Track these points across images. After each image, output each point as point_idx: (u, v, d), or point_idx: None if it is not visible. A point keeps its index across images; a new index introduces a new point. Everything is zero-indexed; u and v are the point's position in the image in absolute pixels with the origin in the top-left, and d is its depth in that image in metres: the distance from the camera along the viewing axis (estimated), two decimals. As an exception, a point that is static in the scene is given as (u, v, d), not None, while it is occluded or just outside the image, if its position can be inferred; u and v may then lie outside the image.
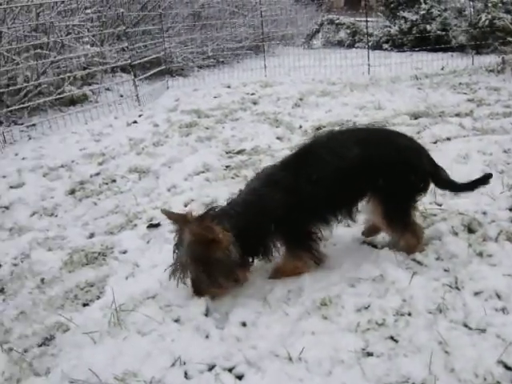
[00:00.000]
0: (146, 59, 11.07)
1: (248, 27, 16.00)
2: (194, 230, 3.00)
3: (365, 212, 3.55)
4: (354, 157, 3.18)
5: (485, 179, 3.47)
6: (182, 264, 3.08)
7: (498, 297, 2.86)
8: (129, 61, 10.09)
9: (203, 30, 14.57)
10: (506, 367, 2.39)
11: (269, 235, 3.16)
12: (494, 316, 2.71)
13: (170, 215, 3.31)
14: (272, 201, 3.12)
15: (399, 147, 3.32)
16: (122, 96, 9.94)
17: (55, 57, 9.32)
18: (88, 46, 10.27)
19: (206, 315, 3.09)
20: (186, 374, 2.65)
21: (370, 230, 3.66)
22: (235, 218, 3.08)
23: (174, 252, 3.16)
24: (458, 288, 2.99)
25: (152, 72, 11.01)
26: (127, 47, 10.21)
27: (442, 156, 4.84)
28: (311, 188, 3.13)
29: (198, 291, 3.18)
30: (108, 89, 10.76)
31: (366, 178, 3.24)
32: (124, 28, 10.13)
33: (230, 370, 2.63)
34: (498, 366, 2.39)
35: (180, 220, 3.20)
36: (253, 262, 3.28)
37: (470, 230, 3.59)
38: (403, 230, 3.35)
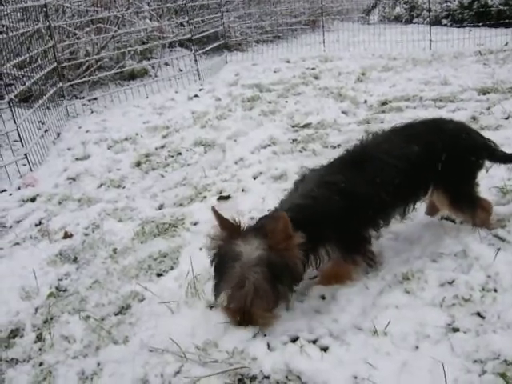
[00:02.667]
0: (204, 34, 11.03)
1: (305, 2, 15.83)
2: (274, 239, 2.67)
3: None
4: (413, 155, 3.09)
5: None
6: (242, 282, 2.63)
7: None
8: (189, 35, 10.06)
9: (260, 4, 14.46)
10: None
11: (323, 241, 2.92)
12: None
13: (221, 220, 2.88)
14: (329, 205, 2.90)
15: (453, 133, 3.25)
16: (181, 70, 9.93)
17: (115, 31, 9.35)
18: (147, 21, 10.29)
19: (285, 287, 3.06)
20: (268, 345, 2.62)
21: (433, 210, 3.58)
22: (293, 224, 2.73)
23: (218, 268, 2.82)
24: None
25: (211, 47, 10.99)
26: (187, 22, 10.18)
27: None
28: (371, 191, 2.98)
29: (250, 319, 2.73)
30: (167, 63, 10.79)
31: (428, 173, 3.15)
32: (183, 2, 10.09)
33: (314, 342, 2.60)
34: None
35: (230, 229, 2.83)
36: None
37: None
38: (473, 210, 3.27)
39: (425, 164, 3.10)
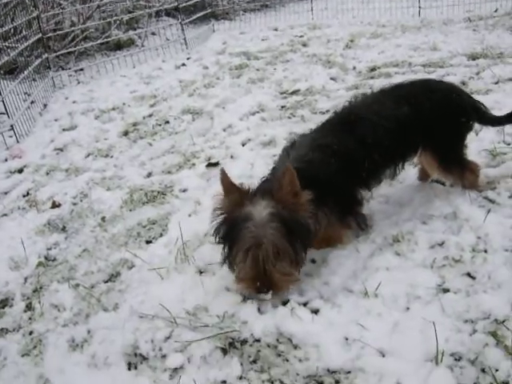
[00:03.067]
0: (191, 2, 10.89)
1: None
2: (280, 196, 2.60)
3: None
4: (403, 115, 3.04)
5: None
6: (261, 241, 2.51)
7: None
8: (176, 3, 9.93)
9: (249, -28, 14.31)
10: None
11: (321, 205, 2.82)
12: None
13: (228, 186, 2.74)
14: (325, 167, 2.84)
15: (443, 93, 3.20)
16: (168, 40, 9.83)
17: (101, 1, 9.23)
18: (133, -11, 10.18)
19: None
20: (259, 309, 2.61)
21: (424, 175, 3.56)
22: None
23: (228, 235, 2.66)
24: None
25: (197, 15, 10.85)
26: (172, -11, 10.07)
27: (505, 96, 4.71)
28: (363, 152, 2.93)
29: (271, 282, 2.60)
30: (154, 33, 10.69)
31: (417, 134, 3.10)
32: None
33: (305, 305, 2.59)
34: None
35: (237, 194, 2.70)
36: None
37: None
38: (462, 172, 3.24)
39: (414, 124, 3.06)
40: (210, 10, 11.58)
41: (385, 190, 3.40)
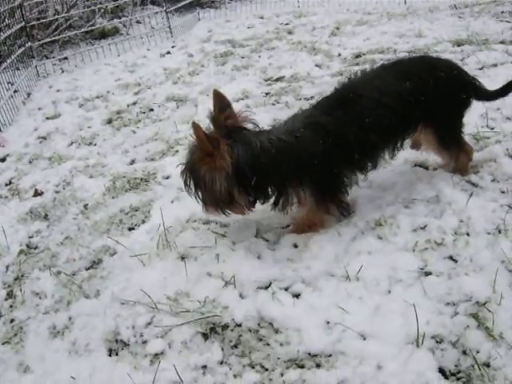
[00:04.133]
0: (176, -10, 10.83)
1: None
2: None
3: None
4: (405, 91, 2.96)
5: None
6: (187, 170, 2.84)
7: (561, 214, 2.75)
8: (160, -9, 9.89)
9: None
10: None
11: (293, 182, 2.81)
12: (558, 234, 2.61)
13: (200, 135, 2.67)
14: (312, 146, 2.77)
15: (445, 70, 3.15)
16: (153, 28, 9.76)
17: (85, -11, 9.18)
18: (118, -23, 10.11)
19: (256, 236, 3.04)
20: (240, 293, 2.60)
21: (417, 144, 3.55)
22: (257, 150, 2.72)
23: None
24: (513, 207, 2.88)
25: (183, 3, 10.76)
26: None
27: (489, 81, 4.66)
28: (361, 133, 2.84)
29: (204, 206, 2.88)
30: (138, 21, 10.61)
31: (420, 111, 3.02)
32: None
33: (286, 289, 2.58)
34: None
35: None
36: (256, 203, 2.90)
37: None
38: (458, 152, 3.23)
39: (417, 101, 2.98)
40: (194, -1, 11.50)
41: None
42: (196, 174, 2.76)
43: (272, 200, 2.85)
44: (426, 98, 3.00)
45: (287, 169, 2.75)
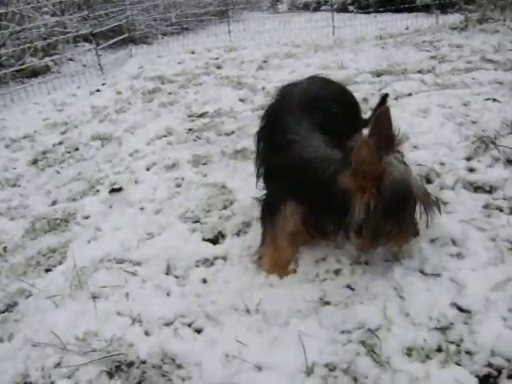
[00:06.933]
0: (107, 27, 10.90)
1: (212, -8, 15.85)
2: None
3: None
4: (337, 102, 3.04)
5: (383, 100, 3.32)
6: None
7: (454, 243, 2.88)
8: (90, 30, 9.93)
9: (167, -4, 14.39)
10: (460, 309, 2.42)
11: None
12: (449, 261, 2.73)
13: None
14: None
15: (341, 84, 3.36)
16: (84, 66, 9.82)
17: (14, 28, 9.17)
18: (48, 16, 10.12)
19: (167, 274, 3.11)
20: (146, 331, 2.66)
21: None
22: None
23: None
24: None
25: (114, 40, 10.87)
26: (88, 16, 10.05)
27: (402, 110, 4.88)
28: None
29: None
30: (71, 59, 10.66)
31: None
32: (84, -4, 10.01)
33: (190, 325, 2.65)
34: (451, 308, 2.42)
35: None
36: None
37: (428, 181, 3.60)
38: None
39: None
40: (127, 35, 11.57)
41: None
42: None
43: None
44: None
45: None
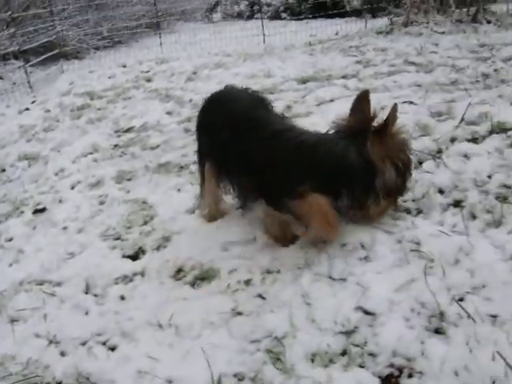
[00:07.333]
0: (37, 44, 10.79)
1: (144, 4, 15.80)
2: None
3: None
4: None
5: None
6: None
7: (362, 247, 2.96)
8: (17, 47, 9.84)
9: (98, 10, 14.29)
10: (365, 312, 2.50)
11: None
12: (356, 265, 2.82)
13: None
14: None
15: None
16: (14, 84, 9.69)
17: None
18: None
19: (86, 293, 3.13)
20: (62, 352, 2.68)
21: None
22: None
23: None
24: (324, 241, 3.08)
25: (44, 57, 10.74)
26: (15, 33, 9.95)
27: (322, 116, 4.99)
28: None
29: None
30: (1, 77, 10.49)
31: None
32: (10, 13, 9.88)
33: (104, 343, 2.68)
34: (356, 311, 2.50)
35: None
36: None
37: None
38: None
39: None
40: (58, 51, 11.46)
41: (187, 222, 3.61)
42: None
43: None
44: None
45: None
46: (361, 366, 2.24)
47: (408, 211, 3.23)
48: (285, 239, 3.13)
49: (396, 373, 2.19)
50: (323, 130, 3.12)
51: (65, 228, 3.93)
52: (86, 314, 2.95)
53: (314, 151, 2.86)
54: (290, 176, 2.87)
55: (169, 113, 6.36)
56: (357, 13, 13.64)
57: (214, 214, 3.59)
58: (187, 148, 4.89)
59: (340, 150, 2.86)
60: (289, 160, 2.89)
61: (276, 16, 16.74)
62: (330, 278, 2.78)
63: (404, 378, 2.16)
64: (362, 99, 3.01)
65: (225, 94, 3.55)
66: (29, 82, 9.27)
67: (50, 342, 2.75)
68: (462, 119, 4.20)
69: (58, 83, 9.66)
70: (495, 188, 3.26)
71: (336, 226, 2.97)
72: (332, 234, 2.97)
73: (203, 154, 3.50)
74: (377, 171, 2.86)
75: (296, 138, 2.94)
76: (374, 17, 12.84)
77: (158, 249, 3.44)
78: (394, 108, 2.89)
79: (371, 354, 2.29)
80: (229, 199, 3.62)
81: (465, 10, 9.66)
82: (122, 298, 3.03)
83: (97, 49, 13.31)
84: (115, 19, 14.24)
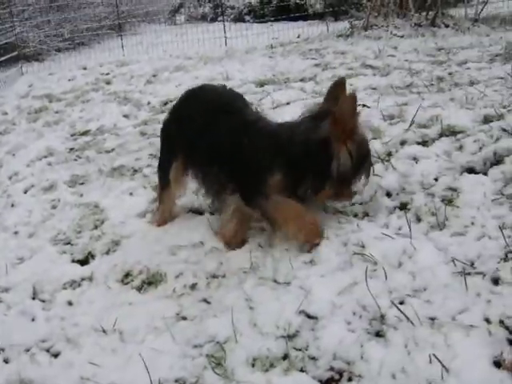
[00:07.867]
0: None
1: (106, 6, 15.72)
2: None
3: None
4: None
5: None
6: None
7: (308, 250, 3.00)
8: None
9: (59, 11, 14.18)
10: (307, 315, 2.51)
11: None
12: (301, 269, 2.82)
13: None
14: None
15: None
16: (-29, 86, 9.59)
17: None
18: None
19: (34, 298, 3.11)
20: (5, 359, 2.66)
21: None
22: None
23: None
24: (270, 246, 3.10)
25: (3, 58, 10.64)
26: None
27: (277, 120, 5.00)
28: None
29: None
30: (-41, 81, 10.37)
31: None
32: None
33: (48, 350, 2.67)
34: (298, 315, 2.51)
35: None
36: None
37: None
38: None
39: None
40: (17, 53, 11.33)
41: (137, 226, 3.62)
42: None
43: None
44: None
45: None
46: (301, 370, 2.25)
47: (355, 214, 3.27)
48: (234, 241, 3.15)
49: (336, 376, 2.20)
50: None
51: (16, 233, 3.90)
52: (33, 320, 2.92)
53: (278, 136, 2.98)
54: (260, 164, 2.96)
55: (126, 116, 6.35)
56: (320, 16, 13.73)
57: (166, 218, 3.59)
58: (142, 151, 4.89)
59: (302, 131, 2.95)
60: (257, 147, 2.99)
61: (239, 18, 16.79)
62: (275, 281, 2.79)
63: (344, 381, 2.18)
64: (338, 86, 3.05)
65: (201, 89, 3.58)
66: (-14, 85, 9.18)
67: (-5, 349, 2.73)
68: (412, 122, 4.24)
69: (17, 85, 9.57)
70: (441, 191, 3.29)
71: (318, 230, 3.03)
72: (315, 237, 3.01)
73: (172, 152, 3.50)
74: (333, 154, 2.88)
75: (266, 127, 3.08)
76: (336, 20, 12.94)
77: (107, 253, 3.44)
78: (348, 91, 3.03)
79: (312, 358, 2.30)
80: (180, 201, 3.64)
81: (424, 13, 9.76)
82: (70, 303, 3.01)
83: (58, 51, 13.18)
84: (77, 21, 14.15)
